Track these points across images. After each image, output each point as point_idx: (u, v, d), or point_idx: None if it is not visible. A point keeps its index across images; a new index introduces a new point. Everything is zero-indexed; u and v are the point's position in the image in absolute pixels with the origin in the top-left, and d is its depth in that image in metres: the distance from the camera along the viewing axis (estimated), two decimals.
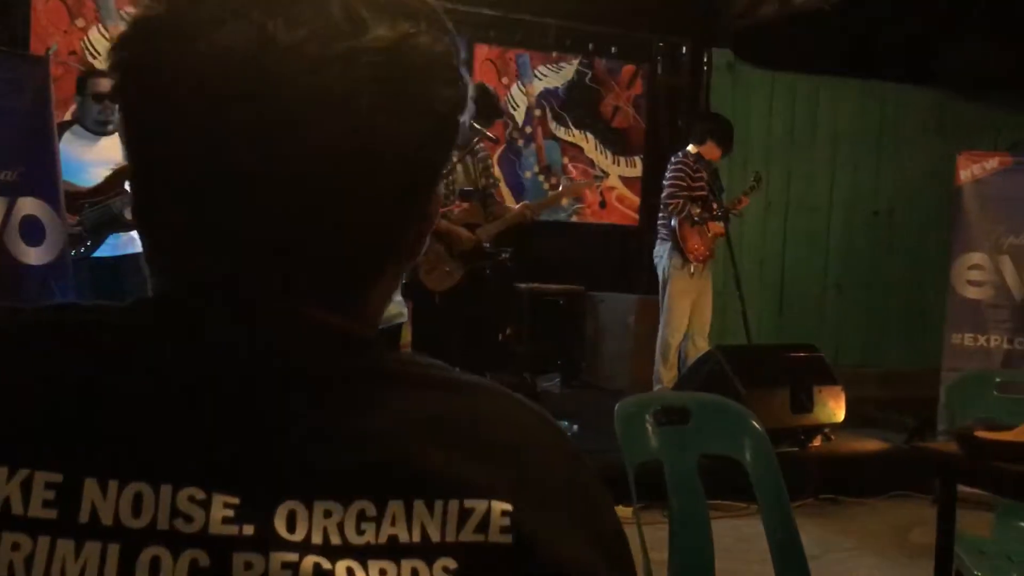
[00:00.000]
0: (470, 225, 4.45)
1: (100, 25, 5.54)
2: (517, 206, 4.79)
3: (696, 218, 5.00)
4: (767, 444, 1.82)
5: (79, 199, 3.94)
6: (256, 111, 0.52)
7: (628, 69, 6.82)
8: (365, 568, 0.50)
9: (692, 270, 5.03)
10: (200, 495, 0.50)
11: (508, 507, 0.52)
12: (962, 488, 2.03)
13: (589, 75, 6.72)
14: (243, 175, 0.54)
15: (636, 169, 6.85)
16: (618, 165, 6.83)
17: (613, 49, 6.76)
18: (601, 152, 6.77)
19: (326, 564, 0.49)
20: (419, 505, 0.51)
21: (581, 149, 6.72)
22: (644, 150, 6.86)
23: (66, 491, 0.50)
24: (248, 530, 0.49)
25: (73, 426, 0.51)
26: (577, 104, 6.67)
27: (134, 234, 4.23)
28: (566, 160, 6.66)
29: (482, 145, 4.55)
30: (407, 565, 0.51)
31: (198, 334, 0.55)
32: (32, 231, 3.13)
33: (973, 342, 4.20)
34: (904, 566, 3.37)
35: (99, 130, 4.12)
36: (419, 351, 5.46)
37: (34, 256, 3.14)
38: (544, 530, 0.53)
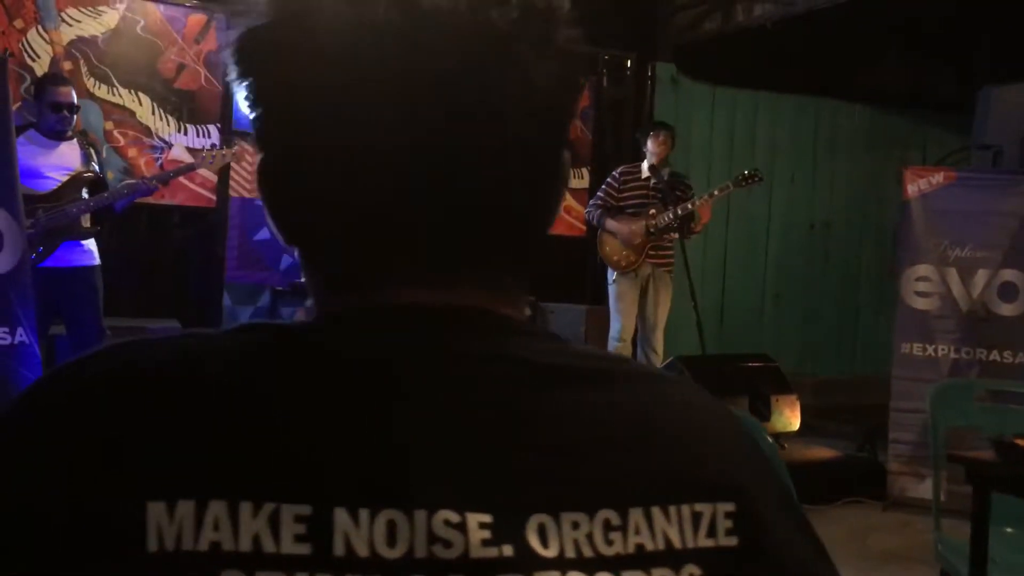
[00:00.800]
0: None
1: (39, 27, 5.35)
2: None
3: (608, 227, 5.19)
4: None
5: (34, 203, 3.81)
6: (417, 85, 0.51)
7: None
8: None
9: (614, 277, 5.21)
10: (455, 518, 0.47)
11: (731, 508, 0.53)
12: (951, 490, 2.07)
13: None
14: (421, 152, 0.52)
15: (583, 180, 6.90)
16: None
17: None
18: None
19: None
20: (656, 512, 0.51)
21: None
22: (591, 161, 6.91)
23: (316, 523, 0.47)
24: (507, 551, 0.48)
25: (312, 456, 0.48)
26: None
27: (88, 244, 4.16)
28: None
29: None
30: (657, 574, 0.50)
31: (406, 348, 0.53)
32: None
33: (922, 351, 4.33)
34: (868, 571, 3.46)
35: (56, 136, 4.00)
36: None
37: None
38: (761, 525, 0.54)
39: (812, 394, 6.92)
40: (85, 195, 4.04)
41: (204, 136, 5.79)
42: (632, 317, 5.20)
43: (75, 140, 4.17)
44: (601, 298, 5.86)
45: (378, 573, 0.46)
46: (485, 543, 0.47)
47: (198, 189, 5.72)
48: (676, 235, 5.14)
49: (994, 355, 4.25)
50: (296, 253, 0.60)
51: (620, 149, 6.57)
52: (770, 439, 0.65)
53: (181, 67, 5.73)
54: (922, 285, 4.40)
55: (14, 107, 5.11)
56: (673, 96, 6.98)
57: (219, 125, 5.83)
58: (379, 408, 0.50)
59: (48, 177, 3.97)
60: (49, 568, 0.45)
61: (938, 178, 4.41)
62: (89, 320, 4.08)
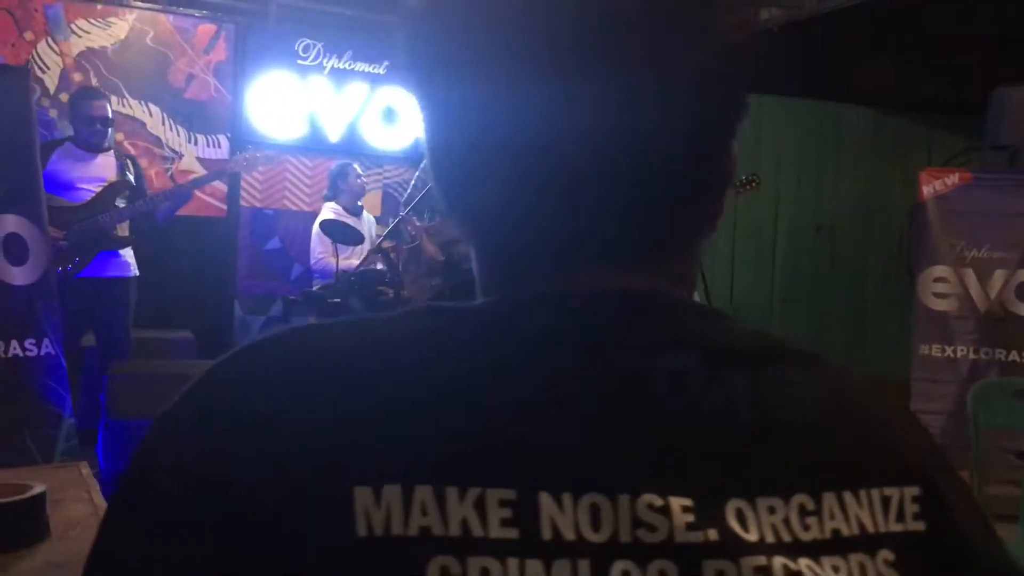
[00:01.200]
0: (454, 242, 4.42)
1: (50, 38, 5.35)
2: None
3: None
4: None
5: (69, 214, 3.83)
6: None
7: None
8: (820, 565, 0.49)
9: None
10: (658, 502, 0.47)
11: (916, 492, 0.53)
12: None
13: None
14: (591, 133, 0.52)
15: None
16: None
17: None
18: None
19: (792, 564, 0.48)
20: (848, 496, 0.51)
21: None
22: None
23: (522, 508, 0.46)
24: (712, 535, 0.47)
25: (512, 440, 0.48)
26: None
27: (125, 254, 4.17)
28: None
29: None
30: (854, 560, 0.50)
31: (599, 330, 0.52)
32: (16, 250, 2.99)
33: (941, 352, 4.33)
34: None
35: (92, 149, 4.03)
36: None
37: (18, 276, 2.99)
38: (945, 509, 0.53)
39: None
40: (120, 205, 4.06)
41: (214, 146, 5.79)
42: None
43: (111, 151, 4.20)
44: None
45: (586, 557, 0.45)
46: (690, 527, 0.47)
47: (208, 199, 5.71)
48: None
49: (1013, 355, 4.25)
50: (467, 238, 0.59)
51: None
52: None
53: (191, 77, 5.73)
54: (939, 286, 4.40)
55: None
56: None
57: (229, 135, 5.83)
58: (574, 391, 0.50)
59: (83, 189, 4.00)
60: (257, 554, 0.45)
61: (953, 179, 4.42)
62: (119, 331, 4.09)
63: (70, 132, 4.19)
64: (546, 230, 0.54)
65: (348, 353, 0.51)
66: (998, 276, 4.30)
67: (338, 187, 5.52)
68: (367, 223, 5.58)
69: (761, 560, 0.47)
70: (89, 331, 4.10)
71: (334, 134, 6.15)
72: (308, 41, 6.01)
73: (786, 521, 0.49)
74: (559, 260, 0.55)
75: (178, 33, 5.68)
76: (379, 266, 5.15)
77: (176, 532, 0.46)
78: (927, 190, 4.43)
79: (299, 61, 6.00)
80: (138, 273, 4.25)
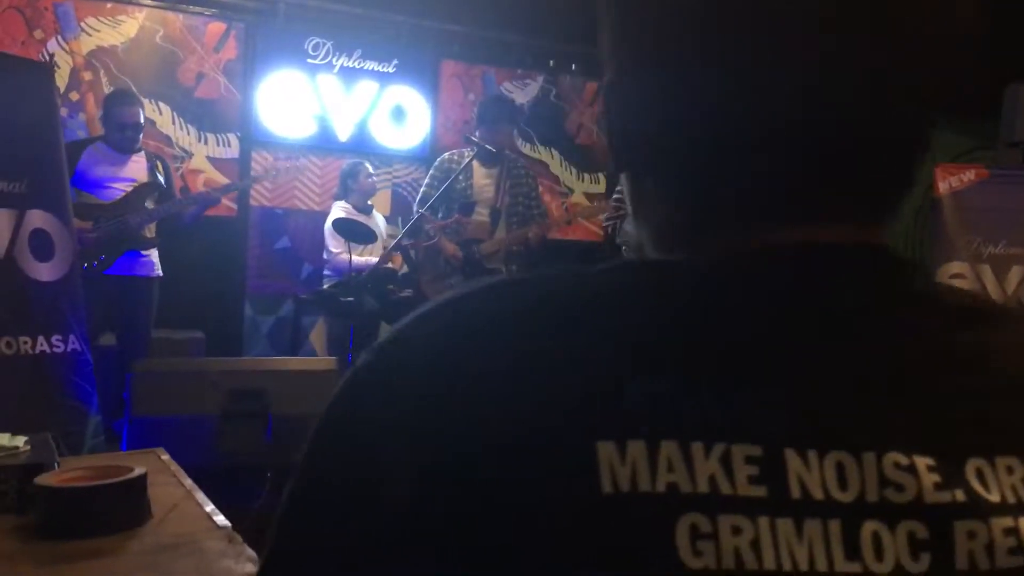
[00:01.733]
0: (473, 241, 4.41)
1: (59, 37, 5.32)
2: (523, 229, 4.79)
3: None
4: None
5: (98, 212, 3.83)
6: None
7: (591, 86, 6.87)
8: None
9: None
10: (904, 460, 0.45)
11: None
12: None
13: (553, 92, 6.76)
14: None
15: (600, 185, 6.91)
16: (583, 181, 6.88)
17: (573, 66, 6.82)
18: (566, 169, 6.80)
19: None
20: None
21: (547, 166, 6.73)
22: (607, 167, 6.91)
23: (768, 465, 0.44)
24: (959, 495, 0.46)
25: (755, 396, 0.46)
26: (542, 121, 6.70)
27: (150, 254, 4.16)
28: None
29: (523, 166, 4.58)
30: None
31: (831, 286, 0.50)
32: (41, 246, 2.96)
33: None
34: None
35: (123, 150, 4.04)
36: None
37: (44, 272, 2.97)
38: None
39: None
40: (149, 206, 4.06)
41: (224, 145, 5.77)
42: None
43: (143, 153, 4.20)
44: None
45: (836, 517, 0.44)
46: (937, 487, 0.45)
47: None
48: None
49: None
50: (648, 189, 0.57)
51: None
52: None
53: (201, 76, 5.71)
54: (957, 282, 4.40)
55: None
56: None
57: (239, 134, 5.81)
58: (811, 348, 0.48)
59: (113, 188, 4.00)
60: (500, 508, 0.43)
61: (969, 175, 4.43)
62: (140, 330, 4.09)
63: (80, 131, 4.18)
64: (756, 174, 0.52)
65: (570, 307, 0.49)
66: (1015, 272, 4.31)
67: (348, 186, 5.50)
68: (377, 222, 5.57)
69: (1008, 521, 0.46)
70: (107, 331, 4.08)
71: (344, 133, 6.13)
72: (318, 40, 5.99)
73: None
74: (786, 211, 0.52)
75: (188, 32, 5.66)
76: (395, 264, 5.14)
77: (401, 484, 0.45)
78: (943, 186, 4.44)
79: (309, 60, 5.99)
80: (162, 274, 4.24)
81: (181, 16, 5.65)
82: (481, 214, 4.45)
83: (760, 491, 0.44)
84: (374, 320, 5.41)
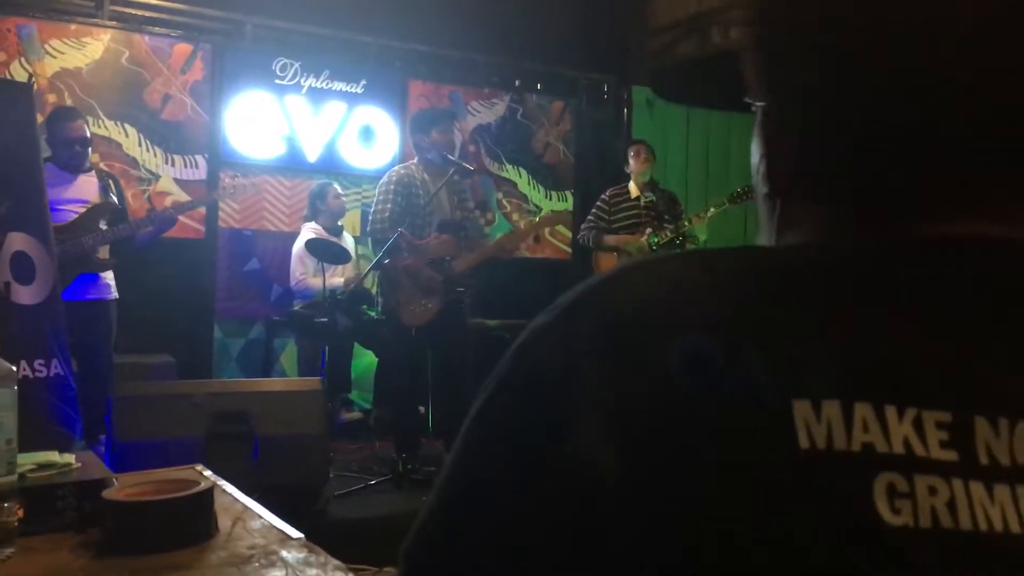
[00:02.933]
0: (441, 260, 4.40)
1: (23, 59, 5.25)
2: (492, 241, 4.80)
3: (607, 244, 5.36)
4: None
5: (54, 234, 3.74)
6: None
7: (557, 105, 6.94)
8: None
9: None
10: None
11: None
12: None
13: (520, 111, 6.81)
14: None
15: (567, 203, 6.95)
16: (550, 199, 6.92)
17: (539, 85, 6.89)
18: (534, 187, 6.84)
19: None
20: None
21: (515, 184, 6.77)
22: (574, 184, 6.97)
23: (958, 430, 0.46)
24: None
25: (948, 364, 0.48)
26: (510, 139, 6.74)
27: (106, 277, 4.07)
28: (500, 195, 6.71)
29: (457, 176, 4.53)
30: None
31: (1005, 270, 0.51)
32: (22, 269, 2.91)
33: None
34: None
35: (73, 169, 3.95)
36: (385, 383, 5.33)
37: (25, 295, 2.91)
38: None
39: None
40: (103, 227, 3.98)
41: (191, 167, 5.72)
42: None
43: (93, 172, 4.12)
44: None
45: (1022, 481, 0.46)
46: None
47: (187, 221, 5.62)
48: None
49: None
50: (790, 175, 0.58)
51: (603, 170, 6.63)
52: None
53: (167, 98, 5.66)
54: None
55: None
56: (649, 118, 7.09)
57: (207, 155, 5.76)
58: (1003, 321, 0.49)
59: (65, 210, 3.91)
60: (702, 466, 0.45)
61: None
62: (101, 355, 4.00)
63: (48, 153, 4.11)
64: (918, 161, 0.53)
65: (762, 276, 0.51)
66: None
67: (317, 207, 5.48)
68: (347, 243, 5.54)
69: None
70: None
71: (312, 154, 6.10)
72: (285, 60, 5.97)
73: None
74: (956, 205, 0.53)
75: (154, 53, 5.61)
76: (370, 285, 5.11)
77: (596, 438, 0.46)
78: None
79: (276, 80, 5.96)
80: (118, 296, 4.16)
81: (147, 37, 5.59)
82: (447, 229, 4.45)
83: (951, 455, 0.46)
84: (347, 340, 5.38)
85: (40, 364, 2.89)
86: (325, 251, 5.01)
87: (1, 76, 5.13)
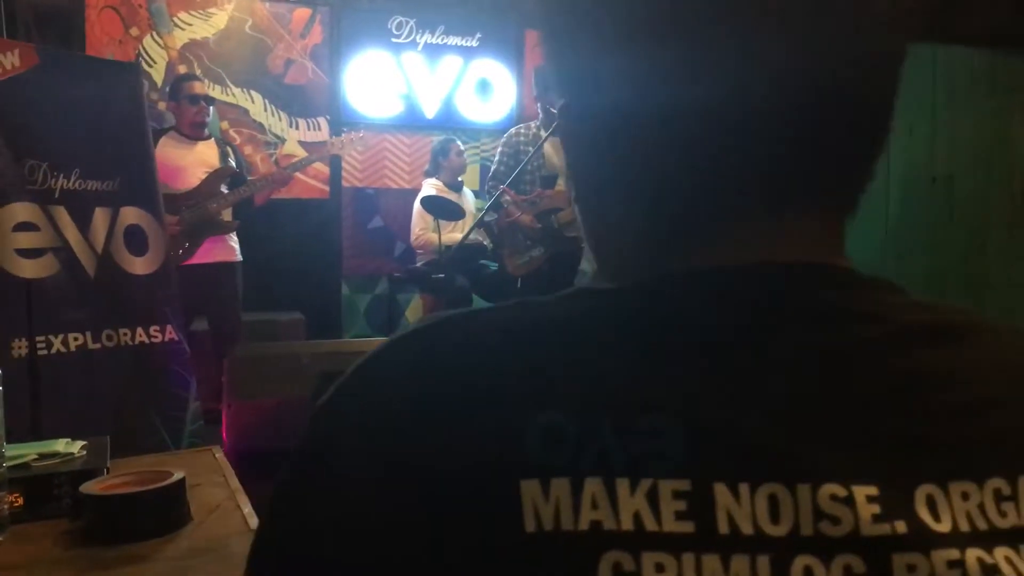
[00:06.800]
0: (548, 212, 4.39)
1: (154, 33, 5.51)
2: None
3: None
4: None
5: (177, 201, 3.97)
6: None
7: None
8: (1019, 553, 0.45)
9: None
10: (841, 492, 0.43)
11: None
12: None
13: None
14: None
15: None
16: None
17: None
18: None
19: (987, 557, 0.44)
20: None
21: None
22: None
23: (696, 499, 0.43)
24: (900, 527, 0.43)
25: (684, 429, 0.45)
26: None
27: (231, 239, 4.29)
28: None
29: None
30: None
31: (770, 308, 0.49)
32: (135, 241, 3.09)
33: None
34: None
35: (195, 134, 4.16)
36: None
37: (139, 266, 3.10)
38: None
39: None
40: (224, 191, 4.18)
41: (315, 129, 5.89)
42: None
43: (213, 139, 4.32)
44: None
45: (765, 552, 0.43)
46: (876, 519, 0.43)
47: (312, 181, 5.81)
48: None
49: None
50: (605, 213, 0.57)
51: None
52: None
53: (289, 62, 5.82)
54: None
55: None
56: None
57: (328, 117, 5.91)
58: (748, 375, 0.46)
59: (189, 176, 4.12)
60: (422, 549, 0.43)
61: None
62: (230, 316, 4.22)
63: (172, 123, 4.32)
64: (700, 190, 0.51)
65: (502, 343, 0.48)
66: None
67: (439, 163, 5.55)
68: (467, 198, 5.60)
69: (954, 553, 0.43)
70: (199, 317, 4.23)
71: (430, 110, 6.17)
72: (401, 18, 6.03)
73: (981, 507, 0.45)
74: (714, 229, 0.52)
75: (275, 19, 5.78)
76: (483, 240, 5.16)
77: (343, 528, 0.45)
78: None
79: (393, 39, 6.04)
80: (242, 258, 4.36)
81: (268, 4, 5.76)
82: (560, 183, 4.42)
83: (687, 527, 0.43)
84: (466, 295, 5.46)
85: (155, 330, 3.08)
86: (441, 208, 5.08)
87: (134, 50, 5.42)
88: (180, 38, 5.57)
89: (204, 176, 4.21)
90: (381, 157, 6.08)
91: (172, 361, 3.12)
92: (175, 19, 5.55)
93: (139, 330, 3.04)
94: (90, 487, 1.17)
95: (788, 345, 0.47)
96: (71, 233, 2.89)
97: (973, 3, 6.55)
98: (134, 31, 5.46)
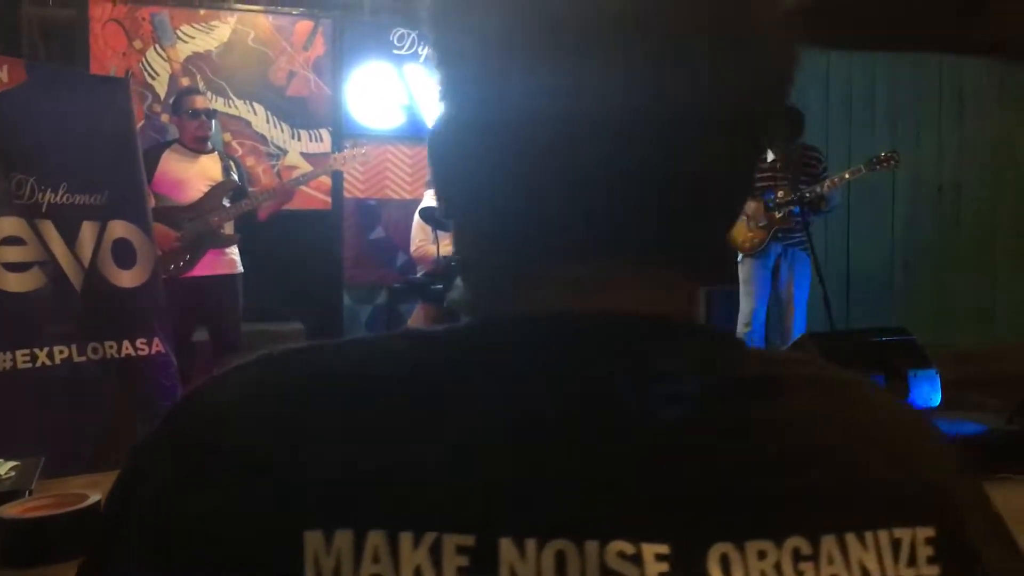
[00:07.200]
0: None
1: (157, 45, 5.56)
2: None
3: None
4: None
5: (179, 214, 4.01)
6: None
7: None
8: None
9: (741, 258, 5.19)
10: (629, 549, 0.43)
11: (931, 533, 0.47)
12: None
13: None
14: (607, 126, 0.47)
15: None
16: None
17: None
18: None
19: None
20: (851, 539, 0.46)
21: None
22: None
23: (480, 555, 0.43)
24: None
25: (475, 482, 0.45)
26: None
27: (231, 252, 4.33)
28: None
29: None
30: None
31: (571, 360, 0.48)
32: (123, 254, 3.12)
33: None
34: None
35: (198, 148, 4.20)
36: None
37: (126, 279, 3.12)
38: (966, 550, 0.48)
39: (950, 366, 6.59)
40: (227, 204, 4.22)
41: (317, 140, 5.92)
42: (760, 299, 5.11)
43: (216, 153, 4.37)
44: (726, 279, 5.77)
45: None
46: None
47: (314, 193, 5.84)
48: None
49: None
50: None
51: None
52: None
53: (291, 74, 5.86)
54: None
55: (138, 125, 5.40)
56: None
57: (330, 129, 5.95)
58: (541, 428, 0.46)
59: (192, 188, 4.16)
60: None
61: None
62: (231, 327, 4.25)
63: (175, 136, 4.37)
64: (527, 235, 0.51)
65: (303, 386, 0.48)
66: None
67: None
68: None
69: None
70: (200, 327, 4.26)
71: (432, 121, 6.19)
72: (403, 31, 6.06)
73: (777, 567, 0.45)
74: (542, 274, 0.51)
75: (277, 32, 5.82)
76: None
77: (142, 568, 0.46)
78: None
79: (395, 51, 6.07)
80: (243, 270, 4.39)
81: (270, 17, 5.81)
82: None
83: None
84: None
85: (142, 343, 3.10)
86: (438, 220, 5.09)
87: (138, 62, 5.47)
88: (183, 51, 5.62)
89: (207, 189, 4.24)
90: (383, 168, 6.11)
91: (159, 373, 3.15)
92: (178, 32, 5.60)
93: (125, 343, 3.06)
94: (6, 510, 1.18)
95: (586, 400, 0.47)
96: (58, 247, 2.93)
97: (988, 13, 6.52)
98: (137, 44, 5.52)
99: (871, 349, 4.27)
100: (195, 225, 4.12)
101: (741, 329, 5.20)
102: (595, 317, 0.50)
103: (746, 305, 5.17)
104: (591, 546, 0.43)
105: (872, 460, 0.49)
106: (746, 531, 0.45)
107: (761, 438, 0.48)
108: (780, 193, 5.01)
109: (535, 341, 0.49)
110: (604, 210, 0.49)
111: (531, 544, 0.43)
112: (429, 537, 0.43)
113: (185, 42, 5.62)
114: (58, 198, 2.94)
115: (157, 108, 5.45)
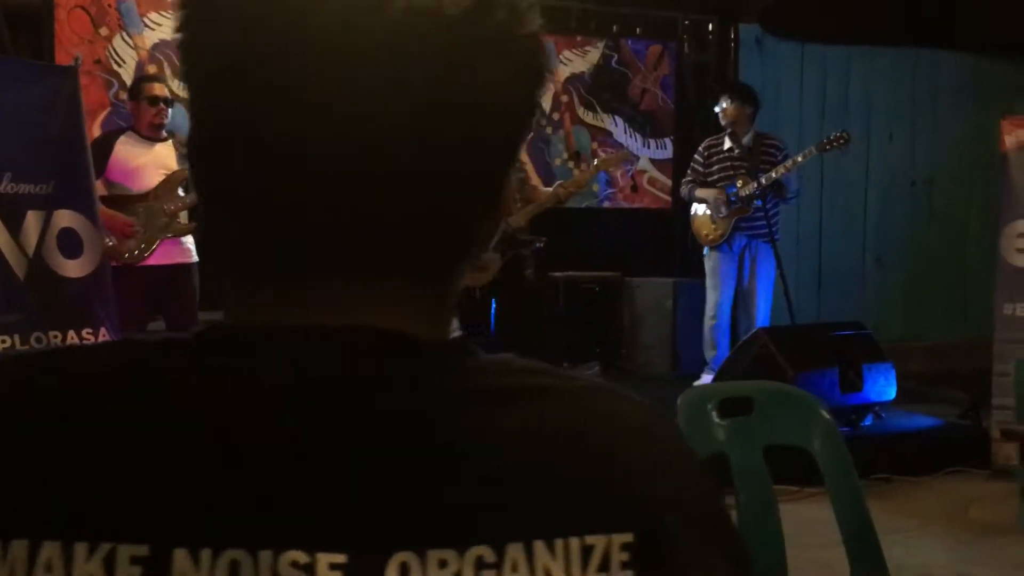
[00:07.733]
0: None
1: (124, 33, 5.54)
2: (550, 187, 4.77)
3: (698, 197, 5.20)
4: (836, 432, 1.76)
5: (133, 203, 3.99)
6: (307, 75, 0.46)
7: (655, 50, 6.71)
8: None
9: (707, 251, 5.21)
10: (303, 558, 0.44)
11: (628, 539, 0.47)
12: None
13: (615, 58, 6.63)
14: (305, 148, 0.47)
15: (667, 151, 6.76)
16: (648, 148, 6.74)
17: (638, 30, 6.67)
18: (630, 135, 6.68)
19: None
20: (539, 546, 0.46)
21: (610, 133, 6.62)
22: (674, 131, 6.75)
23: (153, 565, 0.44)
24: None
25: (153, 491, 0.45)
26: (604, 88, 6.58)
27: (186, 241, 4.33)
28: (595, 145, 6.57)
29: None
30: None
31: (268, 372, 0.48)
32: (69, 244, 3.12)
33: None
34: (968, 544, 3.29)
35: (153, 136, 4.17)
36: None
37: (72, 269, 3.12)
38: (669, 555, 0.48)
39: (922, 360, 6.63)
40: (181, 193, 4.20)
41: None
42: (725, 291, 5.13)
43: (170, 141, 4.33)
44: (692, 271, 5.78)
45: None
46: None
47: None
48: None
49: None
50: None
51: (705, 117, 6.37)
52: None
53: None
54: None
55: (104, 112, 5.38)
56: (759, 58, 6.74)
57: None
58: (229, 439, 0.47)
59: (146, 177, 4.14)
60: None
61: None
62: (187, 315, 4.24)
63: (129, 124, 4.34)
64: (257, 245, 0.51)
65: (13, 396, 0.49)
66: None
67: None
68: None
69: None
70: (156, 318, 4.26)
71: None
72: None
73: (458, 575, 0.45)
74: (268, 285, 0.51)
75: None
76: None
77: None
78: (1009, 140, 4.16)
79: None
80: (198, 259, 4.37)
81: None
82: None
83: None
84: None
85: (88, 333, 3.11)
86: None
87: (104, 49, 5.45)
88: (150, 38, 5.59)
89: (161, 178, 4.22)
90: None
91: None
92: (145, 19, 5.57)
93: (71, 333, 3.07)
94: None
95: (267, 411, 0.47)
96: (0, 236, 2.92)
97: (974, 9, 6.52)
98: (104, 31, 5.49)
99: (827, 343, 4.31)
100: (149, 214, 4.10)
101: (707, 322, 5.22)
102: (311, 330, 0.50)
103: (711, 297, 5.19)
104: (265, 555, 0.44)
105: (574, 468, 0.49)
106: (428, 540, 0.45)
107: (464, 448, 0.48)
108: (740, 183, 5.02)
109: (227, 352, 0.50)
110: (332, 228, 0.49)
111: (206, 554, 0.44)
112: (104, 548, 0.44)
113: (152, 29, 5.59)
114: (2, 188, 2.94)
115: (123, 96, 5.42)
